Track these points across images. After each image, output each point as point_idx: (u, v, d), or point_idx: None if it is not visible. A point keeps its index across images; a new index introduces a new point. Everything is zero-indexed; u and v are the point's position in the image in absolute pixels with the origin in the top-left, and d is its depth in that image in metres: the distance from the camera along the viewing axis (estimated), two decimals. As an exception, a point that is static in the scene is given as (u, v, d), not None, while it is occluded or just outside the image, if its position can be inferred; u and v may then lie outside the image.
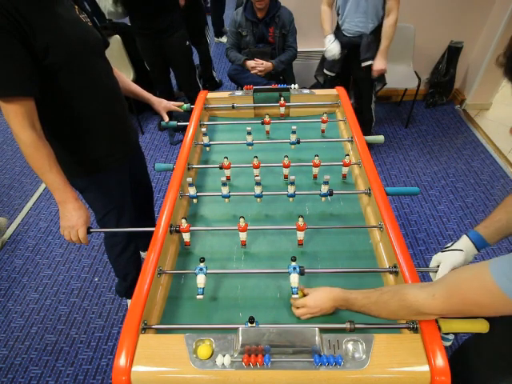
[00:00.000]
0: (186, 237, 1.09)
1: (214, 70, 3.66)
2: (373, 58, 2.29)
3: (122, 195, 1.44)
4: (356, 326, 0.81)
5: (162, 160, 2.93)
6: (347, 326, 0.81)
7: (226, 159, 1.25)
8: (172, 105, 1.54)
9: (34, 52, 0.94)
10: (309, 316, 0.90)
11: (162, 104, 1.51)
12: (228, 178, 1.33)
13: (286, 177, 1.31)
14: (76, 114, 1.14)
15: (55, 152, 1.07)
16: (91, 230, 1.14)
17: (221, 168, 1.27)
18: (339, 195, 1.25)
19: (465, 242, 0.92)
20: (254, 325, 0.79)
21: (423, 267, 1.07)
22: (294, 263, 0.93)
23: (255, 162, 1.24)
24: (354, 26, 2.27)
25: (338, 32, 2.38)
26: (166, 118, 1.53)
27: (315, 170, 1.29)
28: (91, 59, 1.12)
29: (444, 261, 0.91)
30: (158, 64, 2.80)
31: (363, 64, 2.31)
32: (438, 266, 0.94)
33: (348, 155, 1.24)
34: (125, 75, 1.44)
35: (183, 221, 1.05)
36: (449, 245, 0.96)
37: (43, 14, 0.97)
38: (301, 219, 1.03)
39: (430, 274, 0.96)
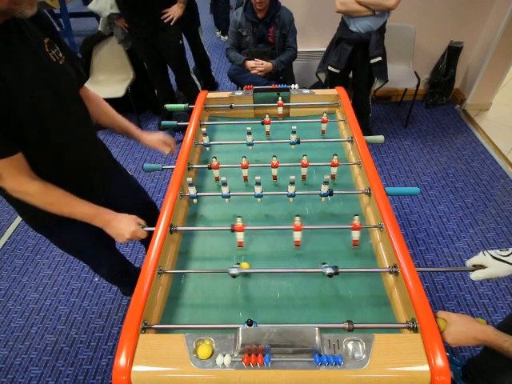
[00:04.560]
0: (240, 237, 1.07)
1: (212, 70, 3.67)
2: (381, 54, 2.32)
3: (95, 242, 1.25)
4: (355, 325, 0.81)
5: (162, 160, 2.93)
6: (345, 325, 0.81)
7: (215, 158, 1.25)
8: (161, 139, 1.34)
9: None
10: None
11: (153, 137, 1.33)
12: (217, 179, 1.33)
13: (275, 178, 1.32)
14: (38, 167, 0.99)
15: (16, 201, 0.99)
16: (144, 228, 1.12)
17: (210, 168, 1.28)
18: (339, 195, 1.25)
19: None
20: (252, 327, 0.79)
21: (423, 267, 1.06)
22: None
23: (244, 161, 1.24)
24: (365, 22, 2.27)
25: (344, 29, 2.39)
26: (167, 151, 1.35)
27: (304, 171, 1.29)
28: (59, 112, 0.98)
29: (493, 267, 0.86)
30: (155, 64, 2.80)
31: (372, 61, 2.34)
32: (475, 266, 0.89)
33: (336, 155, 1.25)
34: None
35: (239, 219, 1.04)
36: (504, 253, 0.88)
37: (5, 66, 0.83)
38: (297, 218, 1.03)
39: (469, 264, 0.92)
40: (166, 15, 2.49)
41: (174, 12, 2.51)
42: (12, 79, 0.84)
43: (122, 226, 1.08)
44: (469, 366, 1.51)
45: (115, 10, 2.59)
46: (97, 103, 1.23)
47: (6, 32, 0.84)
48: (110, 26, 2.81)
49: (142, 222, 1.14)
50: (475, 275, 0.89)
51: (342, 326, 0.81)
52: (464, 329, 0.76)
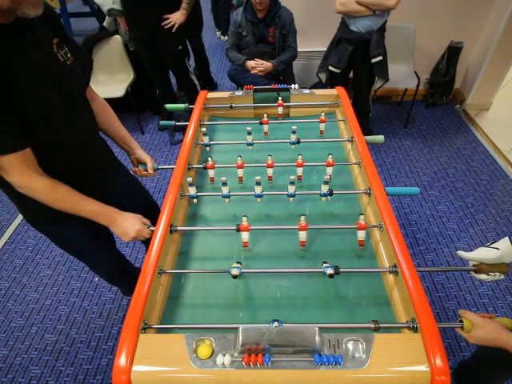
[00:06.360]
0: (245, 237, 1.06)
1: (211, 72, 3.66)
2: (381, 54, 2.33)
3: (93, 241, 1.27)
4: (354, 326, 0.81)
5: (162, 160, 2.93)
6: (371, 325, 0.81)
7: (210, 158, 1.25)
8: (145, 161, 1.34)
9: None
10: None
11: (146, 155, 1.35)
12: (212, 180, 1.33)
13: (270, 179, 1.32)
14: (42, 165, 0.99)
15: (18, 196, 0.99)
16: (150, 228, 1.12)
17: (205, 168, 1.28)
18: (339, 195, 1.25)
19: (503, 242, 0.94)
20: (277, 325, 0.80)
21: (423, 267, 1.06)
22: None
23: (240, 161, 1.24)
24: (366, 22, 2.27)
25: (344, 29, 2.39)
26: (150, 170, 1.34)
27: (299, 171, 1.29)
28: (65, 111, 0.99)
29: (477, 251, 0.96)
30: (156, 65, 2.78)
31: (373, 60, 2.35)
32: (475, 265, 0.97)
33: (331, 155, 1.24)
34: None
35: (244, 218, 1.03)
36: (489, 243, 0.98)
37: (16, 66, 0.84)
38: (303, 218, 1.03)
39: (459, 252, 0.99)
40: (167, 21, 2.41)
41: (176, 19, 2.43)
42: (21, 78, 0.85)
43: (127, 224, 1.09)
44: (461, 368, 1.51)
45: (117, 6, 2.55)
46: (101, 108, 1.23)
47: (16, 32, 0.85)
48: (115, 23, 2.79)
49: (147, 221, 1.14)
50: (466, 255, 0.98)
51: (342, 325, 0.81)
52: (491, 338, 0.79)
